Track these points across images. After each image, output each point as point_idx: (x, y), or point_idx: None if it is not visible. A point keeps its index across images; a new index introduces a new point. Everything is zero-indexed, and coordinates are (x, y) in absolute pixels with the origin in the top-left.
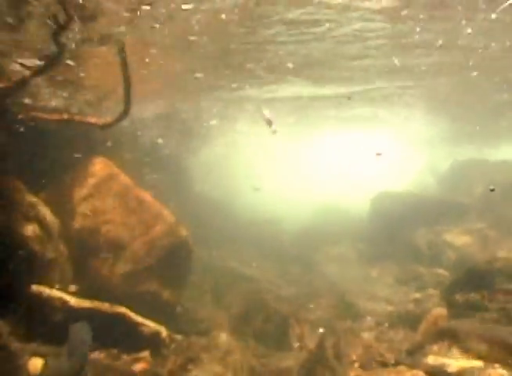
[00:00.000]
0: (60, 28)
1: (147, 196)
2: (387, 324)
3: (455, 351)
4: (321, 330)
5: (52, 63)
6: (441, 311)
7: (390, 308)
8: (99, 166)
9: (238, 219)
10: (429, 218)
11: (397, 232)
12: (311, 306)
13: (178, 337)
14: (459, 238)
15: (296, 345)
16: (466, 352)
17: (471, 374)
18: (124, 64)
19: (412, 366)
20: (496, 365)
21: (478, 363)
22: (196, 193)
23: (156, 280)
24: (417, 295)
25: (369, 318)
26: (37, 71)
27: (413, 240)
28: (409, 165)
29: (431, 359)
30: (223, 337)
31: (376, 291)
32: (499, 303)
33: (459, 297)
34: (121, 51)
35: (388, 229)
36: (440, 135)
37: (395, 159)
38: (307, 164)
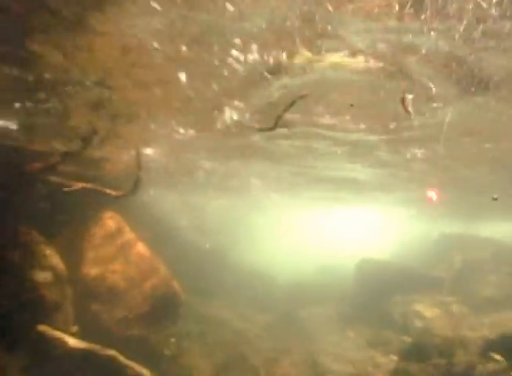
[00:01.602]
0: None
1: (147, 251)
2: None
3: None
4: None
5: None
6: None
7: (351, 369)
8: (109, 220)
9: (237, 272)
10: (405, 288)
11: (375, 297)
12: (283, 361)
13: None
14: (428, 310)
15: None
16: None
17: None
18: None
19: None
20: None
21: None
22: (196, 246)
23: (147, 326)
24: (380, 360)
25: None
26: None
27: (388, 306)
28: (394, 236)
29: None
30: None
31: (346, 351)
32: (429, 374)
33: (402, 366)
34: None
35: (368, 293)
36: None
37: (382, 230)
38: (304, 229)
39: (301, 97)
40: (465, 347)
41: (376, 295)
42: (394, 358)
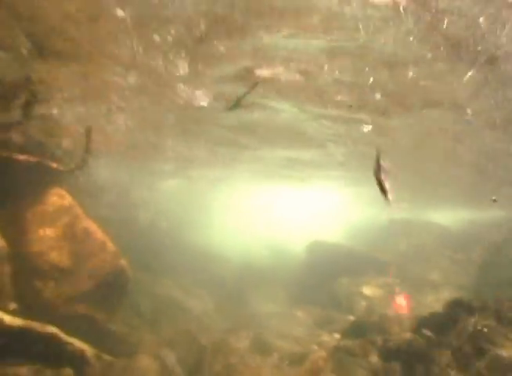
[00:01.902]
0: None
1: (94, 227)
2: (287, 362)
3: None
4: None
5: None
6: (320, 354)
7: (297, 347)
8: (55, 196)
9: (189, 252)
10: (353, 270)
11: (324, 278)
12: (230, 339)
13: (107, 357)
14: (371, 291)
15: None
16: None
17: None
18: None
19: None
20: None
21: None
22: (148, 224)
23: (93, 303)
24: (324, 338)
25: (275, 354)
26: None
27: (335, 288)
28: (346, 220)
29: None
30: (146, 360)
31: (292, 330)
32: (365, 350)
33: (342, 343)
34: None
35: (317, 275)
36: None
37: (334, 214)
38: (256, 209)
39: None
40: (400, 324)
41: (324, 277)
42: (337, 336)
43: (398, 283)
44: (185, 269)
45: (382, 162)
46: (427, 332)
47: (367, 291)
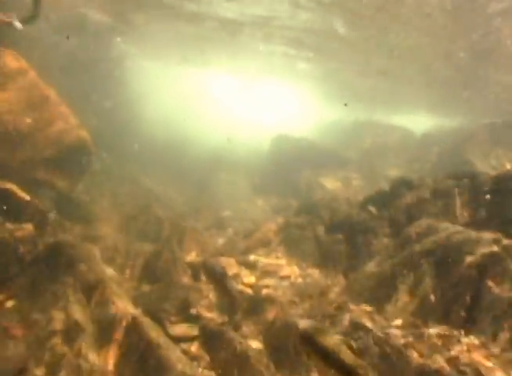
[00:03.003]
0: None
1: (53, 95)
2: (241, 236)
3: (273, 255)
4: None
5: None
6: (271, 225)
7: (249, 225)
8: (9, 59)
9: (152, 142)
10: (315, 164)
11: (286, 170)
12: (189, 218)
13: (66, 222)
14: (331, 182)
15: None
16: (281, 257)
17: (272, 266)
18: None
19: (231, 257)
20: (293, 265)
21: (282, 262)
22: (118, 105)
23: (54, 171)
24: (279, 220)
25: (230, 229)
26: None
27: (297, 179)
28: (314, 118)
29: (251, 257)
30: (105, 228)
31: (250, 214)
32: (313, 225)
33: (292, 219)
34: None
35: (280, 167)
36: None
37: (303, 111)
38: (220, 100)
39: None
40: (349, 203)
41: (287, 169)
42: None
43: (357, 178)
44: (149, 157)
45: None
46: (371, 208)
47: (326, 182)
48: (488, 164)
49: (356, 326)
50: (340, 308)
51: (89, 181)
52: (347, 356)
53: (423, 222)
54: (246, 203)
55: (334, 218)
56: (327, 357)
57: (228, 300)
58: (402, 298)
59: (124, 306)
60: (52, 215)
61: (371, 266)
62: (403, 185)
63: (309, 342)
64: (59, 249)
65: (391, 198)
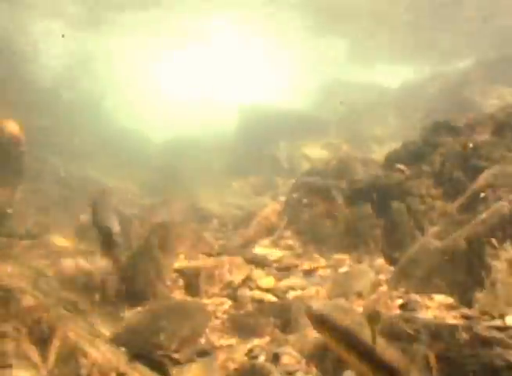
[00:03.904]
0: None
1: None
2: (230, 226)
3: (283, 243)
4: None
5: None
6: (273, 206)
7: (238, 212)
8: None
9: (107, 130)
10: (293, 133)
11: (260, 144)
12: (161, 210)
13: (2, 239)
14: (315, 151)
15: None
16: (293, 245)
17: (288, 258)
18: None
19: (233, 255)
20: (314, 252)
21: (299, 251)
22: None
23: None
24: (268, 202)
25: (215, 220)
26: None
27: (275, 153)
28: (285, 82)
29: (257, 250)
30: (55, 239)
31: (231, 199)
32: (328, 197)
33: (295, 195)
34: None
35: (252, 141)
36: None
37: (272, 73)
38: (176, 72)
39: None
40: (366, 164)
41: (261, 142)
42: (284, 198)
43: (343, 142)
44: (102, 151)
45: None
46: (400, 166)
47: (310, 152)
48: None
49: (450, 332)
50: (408, 305)
51: (28, 188)
52: None
53: (496, 170)
54: (221, 188)
55: (354, 185)
56: None
57: None
58: (502, 278)
59: (101, 357)
60: None
61: (429, 241)
62: (439, 129)
63: None
64: None
65: (427, 150)
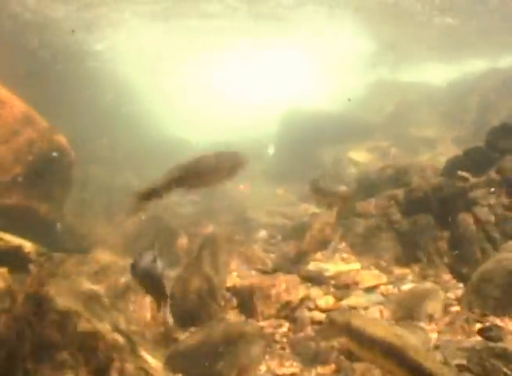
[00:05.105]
0: None
1: (10, 97)
2: (280, 237)
3: (338, 257)
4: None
5: None
6: (327, 218)
7: (286, 222)
8: None
9: (147, 138)
10: (337, 136)
11: (304, 149)
12: (207, 222)
13: (56, 254)
14: (362, 155)
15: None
16: (349, 259)
17: (346, 274)
18: None
19: (289, 272)
20: (372, 267)
21: (356, 266)
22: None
23: (29, 192)
24: (316, 211)
25: (263, 231)
26: None
27: (319, 158)
28: (326, 84)
29: (311, 266)
30: (105, 254)
31: (276, 208)
32: (382, 209)
33: (350, 206)
34: None
35: (295, 146)
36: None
37: (311, 77)
38: (218, 82)
39: None
40: (423, 171)
41: (304, 147)
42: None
43: (391, 145)
44: (145, 159)
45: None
46: (463, 173)
47: (357, 156)
48: None
49: None
50: (491, 331)
51: (77, 198)
52: None
53: None
54: (264, 195)
55: (412, 194)
56: None
57: None
58: None
59: None
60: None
61: (506, 257)
62: (508, 133)
63: None
64: (45, 304)
65: (494, 156)
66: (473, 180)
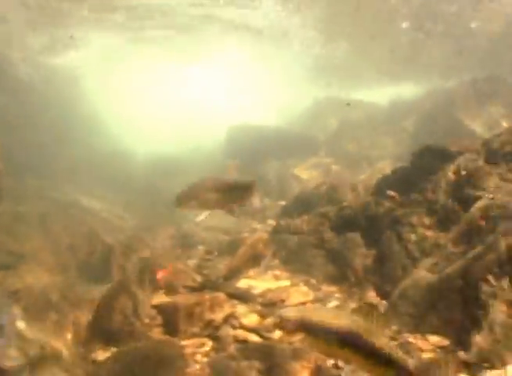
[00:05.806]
0: None
1: None
2: (216, 253)
3: (270, 274)
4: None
5: None
6: (260, 235)
7: (225, 237)
8: None
9: (84, 150)
10: (283, 151)
11: (249, 165)
12: (146, 237)
13: None
14: (306, 172)
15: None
16: (280, 275)
17: (274, 292)
18: None
19: (217, 289)
20: (301, 284)
21: (286, 283)
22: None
23: None
24: (257, 226)
25: (200, 247)
26: None
27: (263, 174)
28: (270, 102)
29: (241, 283)
30: (34, 270)
31: (217, 223)
32: (315, 225)
33: (283, 222)
34: None
35: (242, 161)
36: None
37: (257, 95)
38: (162, 96)
39: None
40: (355, 189)
41: (249, 164)
42: (272, 222)
43: (333, 162)
44: (83, 171)
45: None
46: (391, 192)
47: (301, 172)
48: (482, 124)
49: None
50: (402, 347)
51: (7, 213)
52: None
53: (490, 200)
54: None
55: (343, 212)
56: None
57: None
58: (501, 320)
59: None
60: None
61: (423, 275)
62: (432, 155)
63: None
64: None
65: (418, 177)
66: (399, 199)
